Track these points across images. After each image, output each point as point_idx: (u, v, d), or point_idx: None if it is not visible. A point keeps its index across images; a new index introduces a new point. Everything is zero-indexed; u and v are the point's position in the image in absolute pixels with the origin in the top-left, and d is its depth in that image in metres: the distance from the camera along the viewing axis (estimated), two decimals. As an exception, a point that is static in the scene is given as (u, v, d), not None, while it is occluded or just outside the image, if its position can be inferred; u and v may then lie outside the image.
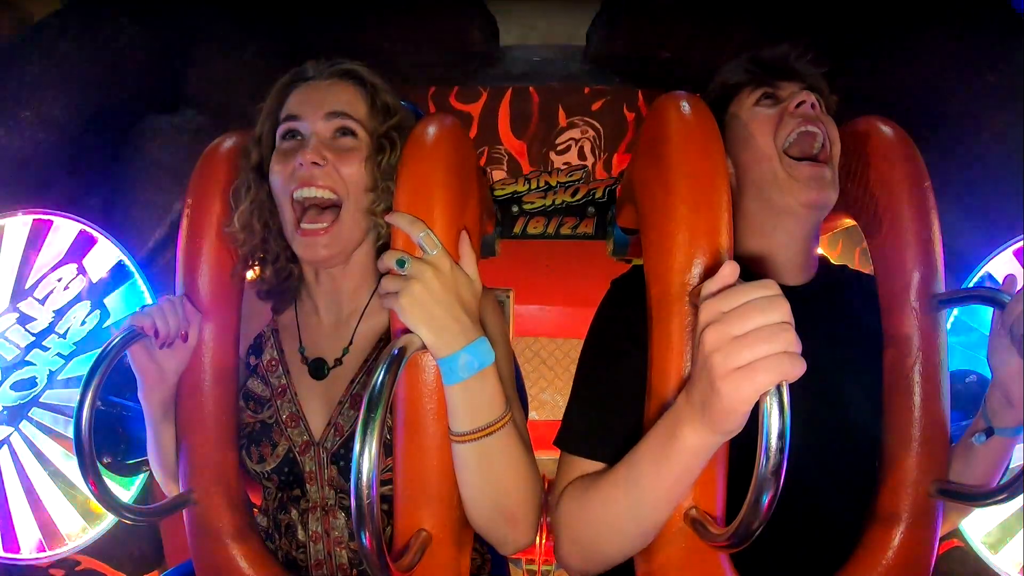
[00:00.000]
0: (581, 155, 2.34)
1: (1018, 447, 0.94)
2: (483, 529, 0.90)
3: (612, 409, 0.91)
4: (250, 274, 1.08)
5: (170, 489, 1.06)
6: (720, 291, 0.66)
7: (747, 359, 0.61)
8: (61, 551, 1.74)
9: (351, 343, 1.05)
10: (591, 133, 2.33)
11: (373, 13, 2.11)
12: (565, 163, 2.35)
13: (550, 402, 3.11)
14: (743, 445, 0.73)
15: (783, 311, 0.62)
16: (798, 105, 1.00)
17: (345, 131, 0.98)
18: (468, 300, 0.84)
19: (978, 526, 1.70)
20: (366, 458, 0.68)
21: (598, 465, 0.90)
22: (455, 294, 0.82)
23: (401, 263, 0.82)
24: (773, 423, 0.61)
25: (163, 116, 1.97)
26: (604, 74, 2.32)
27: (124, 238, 1.85)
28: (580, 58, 2.37)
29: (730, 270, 0.67)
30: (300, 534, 1.03)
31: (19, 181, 1.79)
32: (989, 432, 0.92)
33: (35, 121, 1.78)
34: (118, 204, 1.94)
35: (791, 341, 0.61)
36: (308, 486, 1.02)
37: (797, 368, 0.61)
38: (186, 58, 2.01)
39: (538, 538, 1.94)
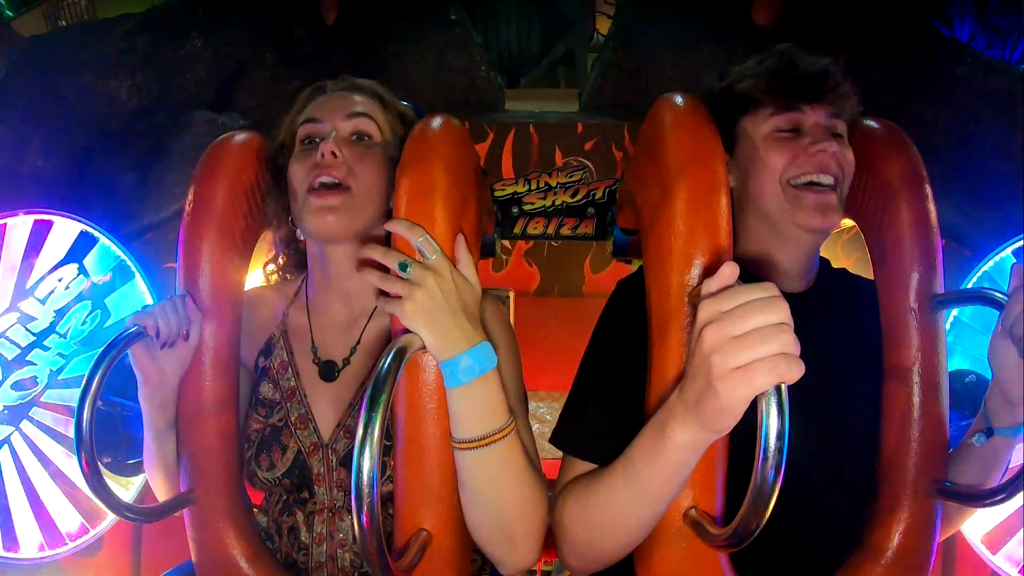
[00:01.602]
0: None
1: (1018, 447, 0.94)
2: (482, 544, 0.90)
3: (614, 412, 0.91)
4: (254, 281, 1.08)
5: (162, 493, 1.05)
6: (719, 291, 0.66)
7: (745, 359, 0.61)
8: (61, 551, 1.75)
9: (359, 343, 1.06)
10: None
11: (395, 55, 2.64)
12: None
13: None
14: (742, 446, 0.73)
15: (782, 312, 0.62)
16: (817, 151, 0.96)
17: (363, 135, 1.01)
18: (469, 304, 0.84)
19: (978, 526, 1.70)
20: (366, 457, 0.68)
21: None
22: (457, 298, 0.82)
23: (403, 266, 0.82)
24: (772, 424, 0.61)
25: (209, 113, 2.35)
26: (595, 115, 2.61)
27: (151, 201, 2.15)
28: (575, 111, 2.77)
29: (730, 270, 0.67)
30: (304, 536, 1.02)
31: (72, 136, 2.31)
32: (989, 432, 0.92)
33: (101, 94, 2.33)
34: (152, 171, 2.26)
35: (790, 342, 0.61)
36: (316, 488, 1.02)
37: (795, 370, 0.61)
38: (238, 77, 2.51)
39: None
